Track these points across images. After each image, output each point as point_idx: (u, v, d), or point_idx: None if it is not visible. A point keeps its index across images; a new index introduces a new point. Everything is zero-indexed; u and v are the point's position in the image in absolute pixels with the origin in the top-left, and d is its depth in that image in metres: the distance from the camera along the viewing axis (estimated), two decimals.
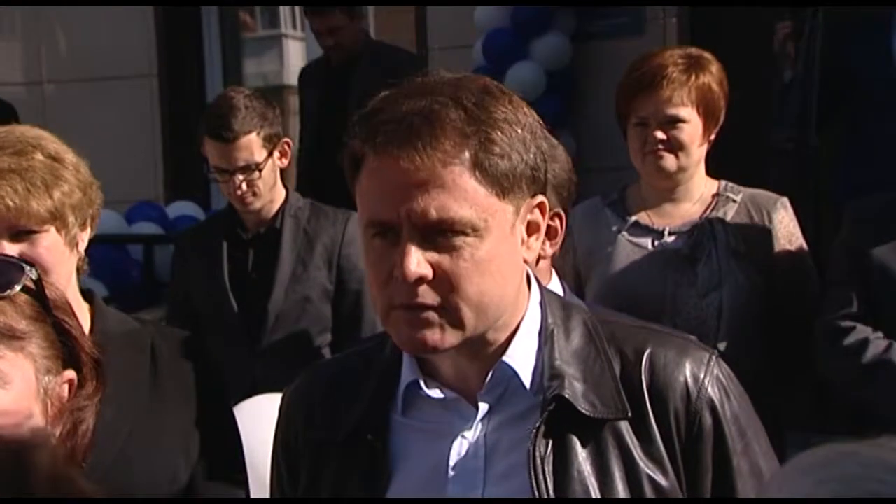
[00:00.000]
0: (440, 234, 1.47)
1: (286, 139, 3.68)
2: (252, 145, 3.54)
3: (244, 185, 3.56)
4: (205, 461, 2.12)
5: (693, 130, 2.93)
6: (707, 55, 3.00)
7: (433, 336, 1.49)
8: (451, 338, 1.50)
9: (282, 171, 3.72)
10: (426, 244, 1.47)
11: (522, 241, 1.55)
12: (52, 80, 7.13)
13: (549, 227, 2.24)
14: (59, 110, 6.84)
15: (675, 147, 2.93)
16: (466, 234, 1.47)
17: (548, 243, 2.33)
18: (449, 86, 1.50)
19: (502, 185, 1.48)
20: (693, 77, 2.91)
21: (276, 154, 3.63)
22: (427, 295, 1.48)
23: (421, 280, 1.47)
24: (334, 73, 5.43)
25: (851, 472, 0.86)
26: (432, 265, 1.47)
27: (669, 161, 2.95)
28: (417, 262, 1.46)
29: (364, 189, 1.51)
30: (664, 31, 5.43)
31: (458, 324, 1.50)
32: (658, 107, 2.90)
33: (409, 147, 1.45)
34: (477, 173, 1.46)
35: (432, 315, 1.49)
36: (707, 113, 2.93)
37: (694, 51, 3.01)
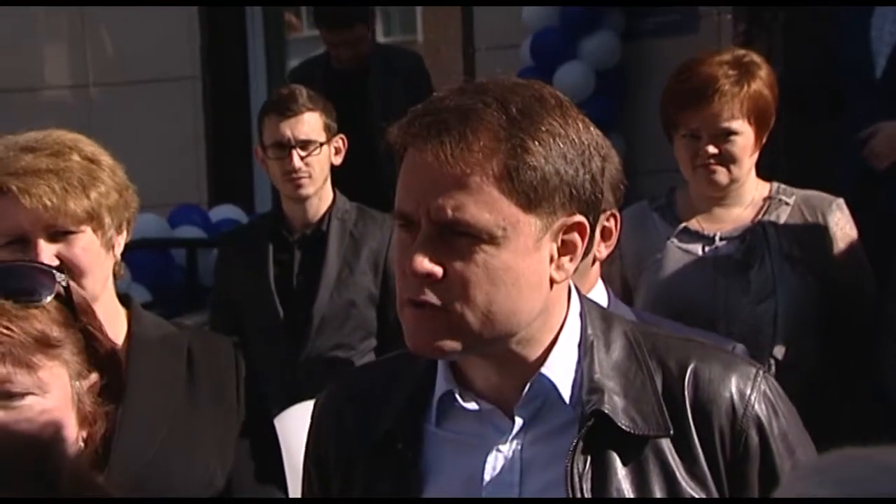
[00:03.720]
0: (457, 236, 1.44)
1: (341, 135, 3.65)
2: (315, 122, 3.61)
3: (301, 163, 3.54)
4: (242, 466, 2.12)
5: (745, 142, 2.87)
6: (756, 58, 2.93)
7: (433, 338, 1.46)
8: (452, 343, 1.46)
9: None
10: (442, 244, 1.44)
11: (552, 260, 1.49)
12: (98, 83, 7.13)
13: (603, 228, 2.15)
14: (103, 113, 6.83)
15: (728, 160, 2.87)
16: (483, 241, 1.43)
17: (602, 245, 2.27)
18: (502, 88, 1.48)
19: (529, 196, 1.44)
20: (745, 87, 2.84)
21: (332, 148, 3.63)
22: (433, 294, 1.45)
23: (429, 278, 1.44)
24: (340, 77, 5.33)
25: (850, 474, 0.88)
26: (444, 266, 1.44)
27: (721, 175, 2.89)
28: (426, 259, 1.43)
29: (399, 178, 1.49)
30: (718, 29, 5.30)
31: (461, 329, 1.46)
32: (710, 120, 2.84)
33: (436, 142, 1.42)
34: (503, 181, 1.43)
35: (436, 316, 1.45)
36: (759, 121, 2.87)
37: (742, 54, 2.94)
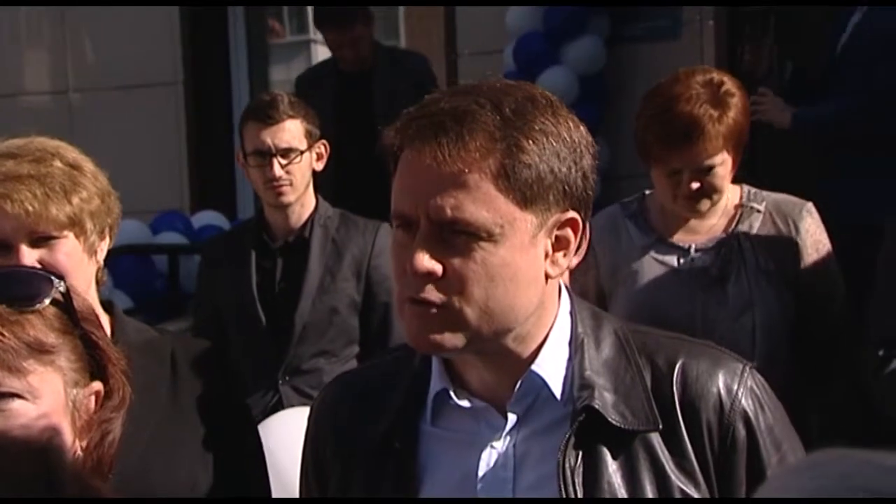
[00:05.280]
0: (455, 234, 1.47)
1: (323, 141, 3.63)
2: (296, 129, 3.57)
3: (282, 171, 3.53)
4: (226, 470, 2.12)
5: (725, 171, 2.87)
6: (730, 86, 2.87)
7: (434, 335, 1.49)
8: (453, 339, 1.49)
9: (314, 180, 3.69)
10: (440, 242, 1.47)
11: (546, 255, 1.52)
12: (78, 88, 7.10)
13: None
14: (84, 119, 6.81)
15: (710, 192, 2.88)
16: (481, 238, 1.47)
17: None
18: (494, 90, 1.51)
19: (525, 194, 1.47)
20: (724, 120, 2.82)
21: (314, 154, 3.61)
22: (433, 292, 1.47)
23: (429, 276, 1.47)
24: (347, 79, 5.39)
25: (844, 470, 0.89)
26: (444, 264, 1.47)
27: (704, 205, 2.90)
28: (426, 257, 1.46)
29: (395, 180, 1.52)
30: (701, 35, 5.31)
31: (461, 326, 1.48)
32: (693, 159, 2.82)
33: (433, 143, 1.45)
34: (499, 179, 1.46)
35: (437, 313, 1.48)
36: (736, 147, 2.87)
37: (718, 82, 2.87)
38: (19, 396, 1.40)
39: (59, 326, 1.46)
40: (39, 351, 1.43)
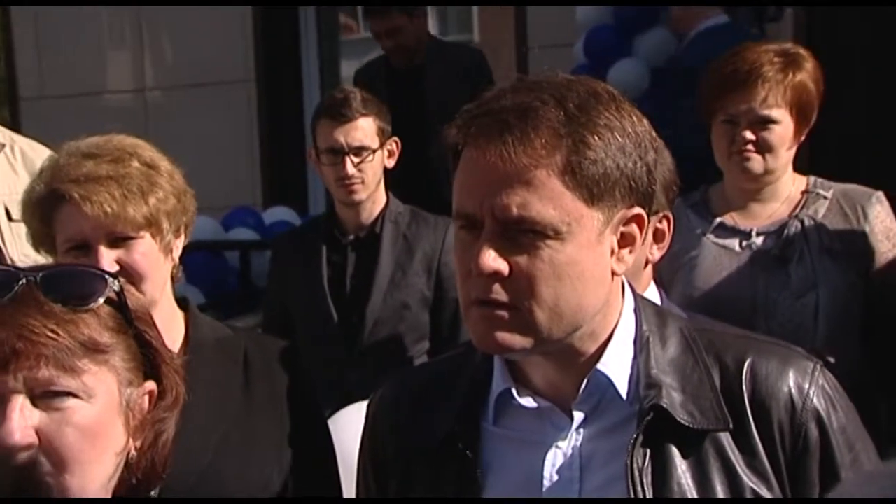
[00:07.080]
0: (521, 233, 1.44)
1: (394, 138, 3.63)
2: (369, 128, 3.58)
3: (354, 169, 3.51)
4: (297, 471, 2.12)
5: (784, 132, 2.81)
6: (803, 52, 2.86)
7: (503, 336, 1.46)
8: (522, 340, 1.47)
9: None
10: (506, 241, 1.45)
11: (612, 252, 1.50)
12: (155, 86, 7.19)
13: (656, 229, 2.13)
14: (159, 116, 6.90)
15: (764, 149, 2.81)
16: (547, 236, 1.44)
17: (655, 247, 2.23)
18: (557, 85, 1.48)
19: (592, 190, 1.45)
20: (789, 76, 2.78)
21: (386, 151, 3.61)
22: (501, 292, 1.45)
23: (496, 276, 1.45)
24: (398, 75, 5.36)
25: None
26: (510, 263, 1.45)
27: (756, 163, 2.83)
28: (492, 257, 1.44)
29: (456, 179, 1.49)
30: (778, 27, 5.21)
31: (530, 326, 1.46)
32: (750, 106, 2.78)
33: (498, 141, 1.42)
34: (566, 176, 1.43)
35: (505, 314, 1.46)
36: (800, 114, 2.81)
37: (790, 47, 2.88)
38: (74, 395, 1.40)
39: (114, 326, 1.45)
40: (94, 350, 1.42)
